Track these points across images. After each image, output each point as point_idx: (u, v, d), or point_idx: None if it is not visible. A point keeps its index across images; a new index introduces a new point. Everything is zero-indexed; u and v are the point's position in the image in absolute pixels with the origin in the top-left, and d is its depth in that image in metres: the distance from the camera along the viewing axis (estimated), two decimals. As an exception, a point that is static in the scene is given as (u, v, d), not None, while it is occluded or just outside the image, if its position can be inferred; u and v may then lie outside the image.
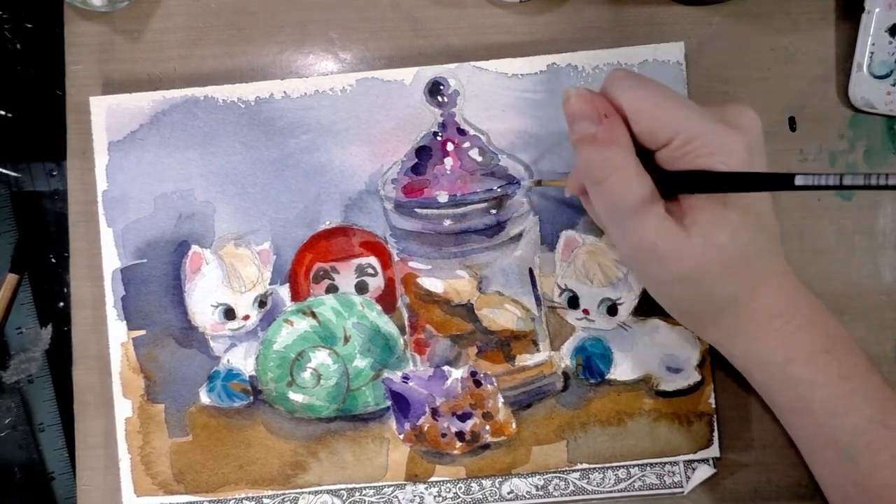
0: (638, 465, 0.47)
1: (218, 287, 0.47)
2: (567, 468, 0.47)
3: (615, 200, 0.35)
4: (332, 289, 0.48)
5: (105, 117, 0.48)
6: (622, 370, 0.47)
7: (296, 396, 0.47)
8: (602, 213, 0.38)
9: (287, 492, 0.47)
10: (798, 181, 0.31)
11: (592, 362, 0.47)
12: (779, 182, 0.33)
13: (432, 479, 0.47)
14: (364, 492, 0.47)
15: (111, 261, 0.47)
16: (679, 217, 0.36)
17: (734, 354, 0.40)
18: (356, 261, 0.48)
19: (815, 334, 0.38)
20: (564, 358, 0.47)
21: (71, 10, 0.49)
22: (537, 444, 0.46)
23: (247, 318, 0.47)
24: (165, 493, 0.47)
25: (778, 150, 0.48)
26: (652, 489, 0.47)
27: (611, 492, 0.47)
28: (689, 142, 0.34)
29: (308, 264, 0.48)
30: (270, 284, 0.48)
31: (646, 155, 0.36)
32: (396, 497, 0.47)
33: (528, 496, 0.47)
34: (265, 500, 0.47)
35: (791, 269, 0.39)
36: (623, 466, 0.47)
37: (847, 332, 0.39)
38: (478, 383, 0.47)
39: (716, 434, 0.46)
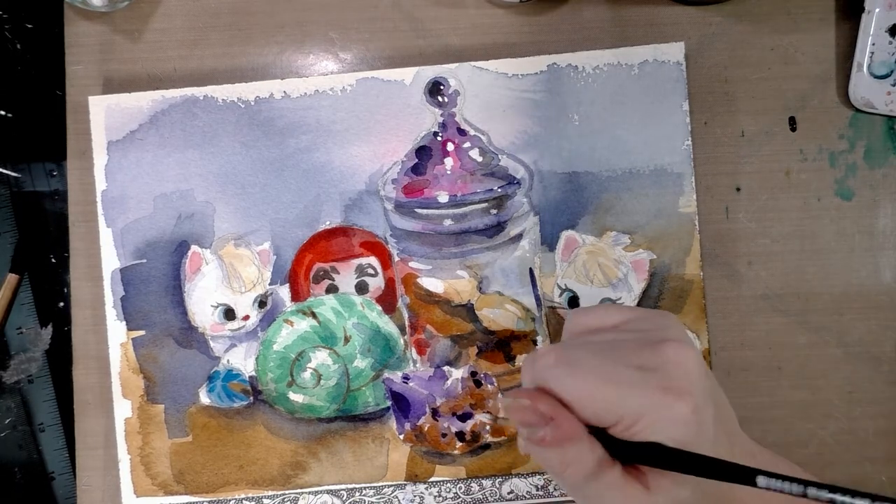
0: (638, 465, 0.47)
1: (218, 287, 0.47)
2: (567, 468, 0.47)
3: (575, 485, 0.34)
4: (332, 289, 0.48)
5: (104, 117, 0.47)
6: (622, 370, 0.47)
7: (296, 397, 0.47)
8: (565, 489, 0.36)
9: (287, 492, 0.47)
10: (760, 482, 0.30)
11: (592, 362, 0.47)
12: (739, 476, 0.31)
13: (432, 479, 0.47)
14: (364, 492, 0.47)
15: (111, 261, 0.47)
16: (639, 476, 0.34)
17: None
18: (356, 261, 0.48)
19: None
20: (564, 358, 0.47)
21: (71, 10, 0.49)
22: (537, 444, 0.46)
23: (247, 318, 0.47)
24: (165, 493, 0.47)
25: (778, 151, 0.48)
26: (652, 489, 0.46)
27: (611, 492, 0.47)
28: (636, 422, 0.33)
29: (308, 264, 0.48)
30: (270, 284, 0.48)
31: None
32: (396, 497, 0.47)
33: (528, 496, 0.47)
34: (265, 501, 0.47)
35: (757, 449, 0.37)
36: (623, 466, 0.47)
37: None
38: (478, 383, 0.47)
39: (716, 434, 0.46)
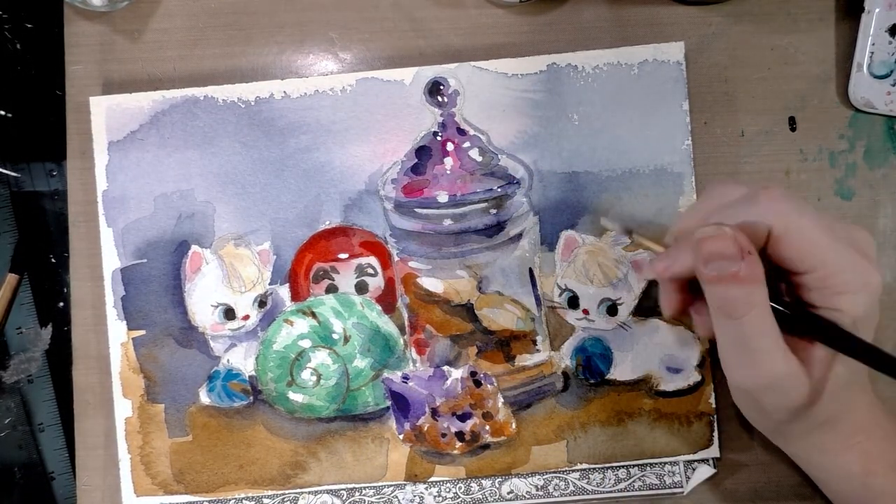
0: (638, 465, 0.47)
1: (218, 287, 0.47)
2: (567, 468, 0.47)
3: (748, 335, 0.35)
4: (331, 289, 0.48)
5: (105, 117, 0.48)
6: (622, 370, 0.47)
7: (296, 396, 0.47)
8: (727, 342, 0.36)
9: (287, 492, 0.47)
10: None
11: (592, 362, 0.47)
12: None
13: (432, 479, 0.47)
14: (364, 492, 0.47)
15: (111, 261, 0.47)
16: (797, 348, 0.36)
17: (814, 465, 0.41)
18: (356, 261, 0.48)
19: (893, 446, 0.39)
20: (564, 358, 0.47)
21: (71, 10, 0.49)
22: (537, 444, 0.46)
23: (247, 318, 0.47)
24: (165, 493, 0.47)
25: (778, 151, 0.48)
26: (652, 489, 0.47)
27: (611, 492, 0.47)
28: (832, 276, 0.34)
29: (308, 264, 0.48)
30: (270, 284, 0.48)
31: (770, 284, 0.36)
32: (396, 497, 0.47)
33: (527, 496, 0.47)
34: (265, 500, 0.47)
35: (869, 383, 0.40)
36: (623, 466, 0.47)
37: None
38: (478, 383, 0.47)
39: (716, 434, 0.46)
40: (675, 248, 0.37)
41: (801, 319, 0.36)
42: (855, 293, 0.35)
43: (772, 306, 0.34)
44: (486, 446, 0.47)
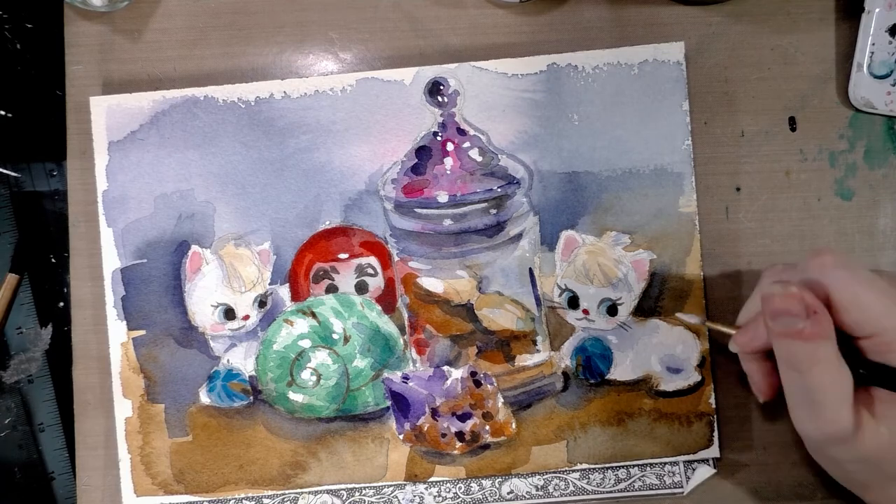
0: (638, 466, 0.47)
1: (218, 287, 0.47)
2: (567, 468, 0.47)
3: (813, 388, 0.36)
4: (331, 289, 0.48)
5: (105, 117, 0.48)
6: (622, 370, 0.47)
7: (296, 396, 0.47)
8: (793, 394, 0.38)
9: (287, 492, 0.47)
10: None
11: (592, 362, 0.47)
12: None
13: (432, 479, 0.47)
14: (364, 492, 0.47)
15: (111, 261, 0.48)
16: (867, 403, 0.36)
17: None
18: (356, 261, 0.48)
19: None
20: (564, 358, 0.47)
21: (71, 10, 0.49)
22: (537, 445, 0.46)
23: (247, 318, 0.47)
24: (165, 493, 0.47)
25: (778, 151, 0.48)
26: (652, 489, 0.47)
27: (611, 492, 0.47)
28: (891, 342, 0.35)
29: (308, 264, 0.48)
30: (270, 284, 0.48)
31: (843, 340, 0.37)
32: (396, 497, 0.47)
33: (527, 496, 0.47)
34: (265, 500, 0.47)
35: None
36: (623, 466, 0.47)
37: None
38: (478, 383, 0.47)
39: (716, 434, 0.46)
40: (753, 323, 0.40)
41: (873, 372, 0.36)
42: None
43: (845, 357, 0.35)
44: (486, 446, 0.47)
